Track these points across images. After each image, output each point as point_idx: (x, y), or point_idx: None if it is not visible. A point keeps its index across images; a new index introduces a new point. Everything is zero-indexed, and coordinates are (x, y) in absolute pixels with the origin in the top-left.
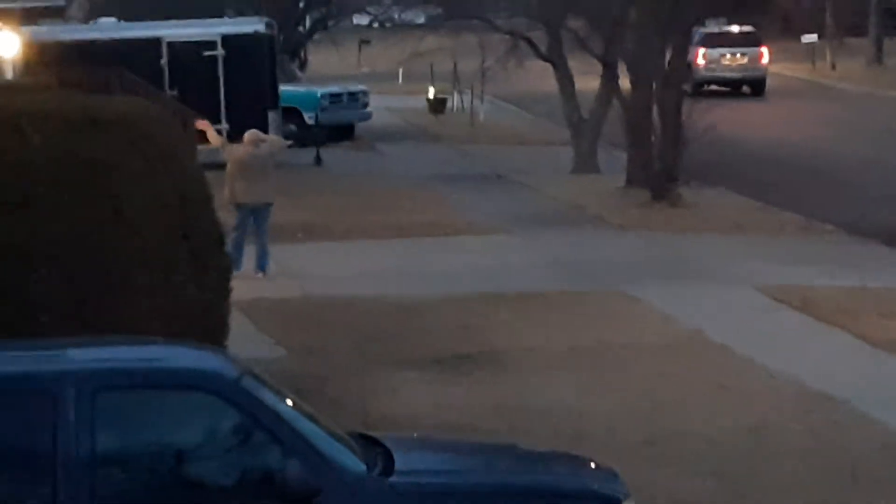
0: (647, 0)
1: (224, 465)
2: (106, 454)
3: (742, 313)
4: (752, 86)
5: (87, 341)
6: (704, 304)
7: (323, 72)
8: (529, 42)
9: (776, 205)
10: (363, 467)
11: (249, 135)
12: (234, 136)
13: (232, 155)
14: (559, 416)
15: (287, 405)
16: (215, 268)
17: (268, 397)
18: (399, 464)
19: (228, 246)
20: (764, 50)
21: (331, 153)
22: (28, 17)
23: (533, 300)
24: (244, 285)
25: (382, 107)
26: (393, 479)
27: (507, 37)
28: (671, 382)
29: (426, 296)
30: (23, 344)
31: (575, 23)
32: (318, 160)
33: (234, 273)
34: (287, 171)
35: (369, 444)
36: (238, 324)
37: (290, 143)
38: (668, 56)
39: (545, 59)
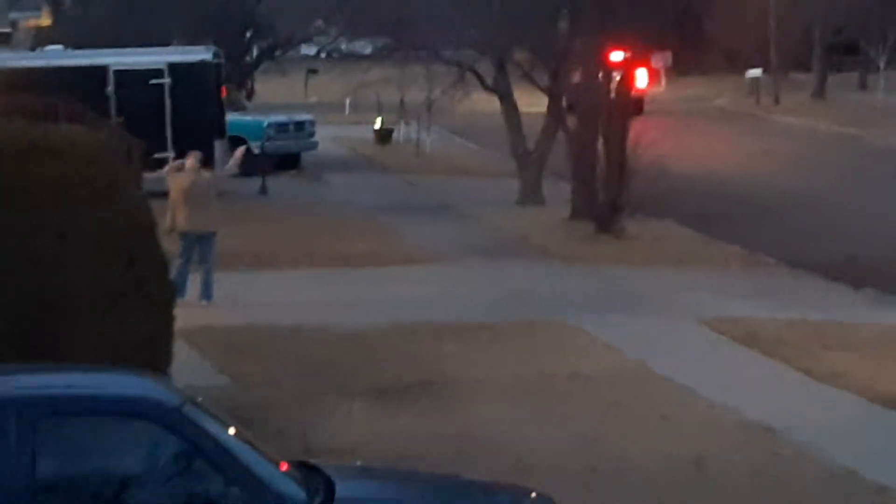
0: (591, 34)
1: (165, 494)
2: (46, 481)
3: (685, 345)
4: None
5: (29, 368)
6: (648, 336)
7: (270, 101)
8: (476, 74)
9: (720, 237)
10: (304, 496)
11: (191, 162)
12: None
13: (174, 183)
14: (502, 446)
15: (229, 434)
16: (160, 296)
17: (209, 426)
18: (340, 492)
19: (173, 274)
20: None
21: (277, 182)
22: None
23: (477, 330)
24: (189, 313)
25: (329, 136)
26: None
27: (454, 68)
28: (614, 413)
29: (371, 325)
30: None
31: (521, 55)
32: (264, 189)
33: (180, 301)
34: (233, 199)
35: (311, 473)
36: (182, 352)
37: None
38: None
39: (491, 91)
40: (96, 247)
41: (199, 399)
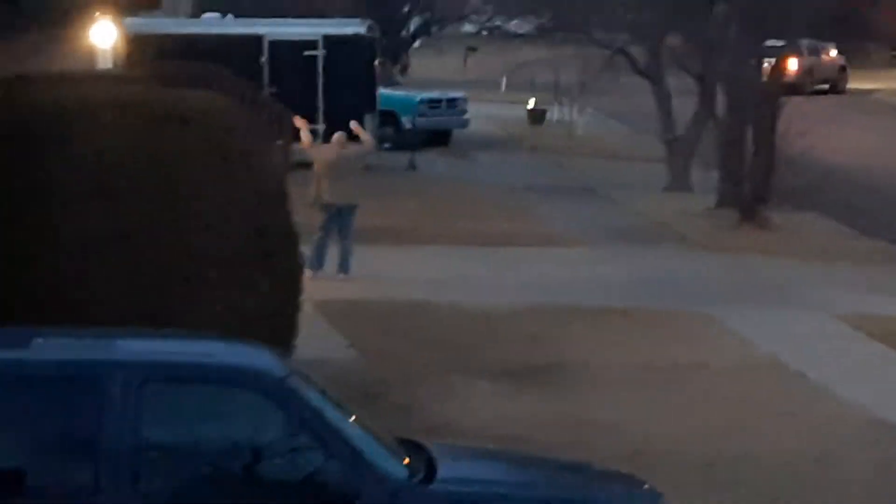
0: (748, 21)
1: (263, 464)
2: (149, 445)
3: (819, 340)
4: None
5: (140, 332)
6: (782, 329)
7: (427, 77)
8: (628, 56)
9: (868, 232)
10: (405, 473)
11: (338, 136)
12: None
13: (319, 155)
14: (623, 433)
15: (331, 407)
16: (287, 268)
17: (312, 398)
18: (441, 471)
19: (312, 246)
20: None
21: (426, 158)
22: (127, 8)
23: (609, 315)
24: (325, 286)
25: (483, 115)
26: (433, 486)
27: (607, 50)
28: (739, 406)
29: (504, 305)
30: (77, 332)
31: (674, 40)
32: (413, 165)
33: (317, 273)
34: (380, 174)
35: (415, 451)
36: (314, 324)
37: (386, 145)
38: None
39: (643, 75)
40: (225, 217)
41: (307, 372)
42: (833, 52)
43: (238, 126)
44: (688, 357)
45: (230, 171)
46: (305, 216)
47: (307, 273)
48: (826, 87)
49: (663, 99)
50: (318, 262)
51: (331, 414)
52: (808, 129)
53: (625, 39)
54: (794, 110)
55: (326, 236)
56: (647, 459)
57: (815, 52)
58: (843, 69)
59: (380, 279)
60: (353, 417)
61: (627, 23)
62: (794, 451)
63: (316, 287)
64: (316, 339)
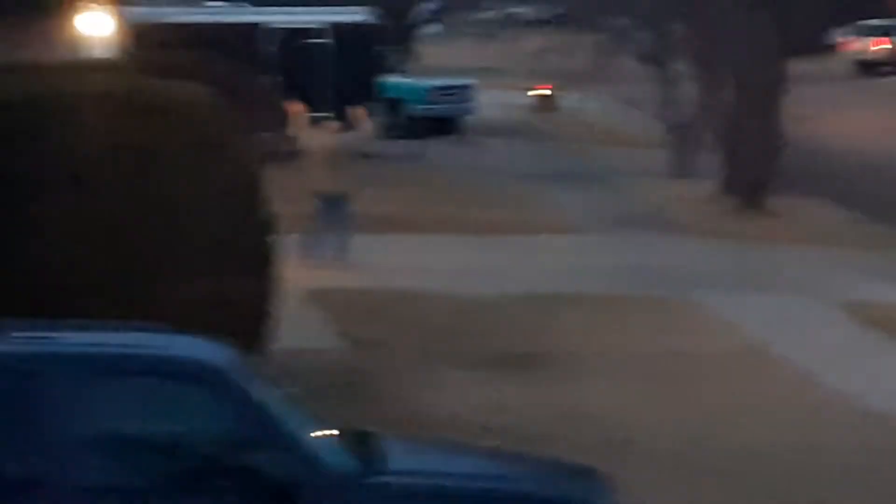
0: (749, 10)
1: (206, 457)
2: (89, 438)
3: (815, 327)
4: None
5: (86, 325)
6: (777, 316)
7: (441, 64)
8: (634, 43)
9: (875, 218)
10: (353, 466)
11: (333, 123)
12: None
13: (314, 142)
14: (608, 422)
15: (279, 400)
16: (264, 256)
17: (260, 391)
18: (392, 463)
19: (307, 234)
20: None
21: (433, 146)
22: None
23: (605, 303)
24: (320, 274)
25: (496, 102)
26: (382, 478)
27: (615, 36)
28: (727, 394)
29: (499, 293)
30: (23, 325)
31: (680, 26)
32: (419, 153)
33: (312, 261)
34: (386, 161)
35: (367, 443)
36: (307, 312)
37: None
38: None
39: (647, 60)
40: (200, 206)
41: (257, 362)
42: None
43: (214, 116)
44: (680, 345)
45: (204, 161)
46: (305, 204)
47: (303, 261)
48: None
49: (667, 85)
50: (314, 251)
51: (276, 406)
52: (816, 115)
53: (632, 25)
54: (801, 95)
55: (322, 224)
56: (636, 448)
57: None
58: None
59: (375, 268)
60: (302, 409)
61: (634, 8)
62: (785, 440)
63: (309, 275)
64: (303, 327)
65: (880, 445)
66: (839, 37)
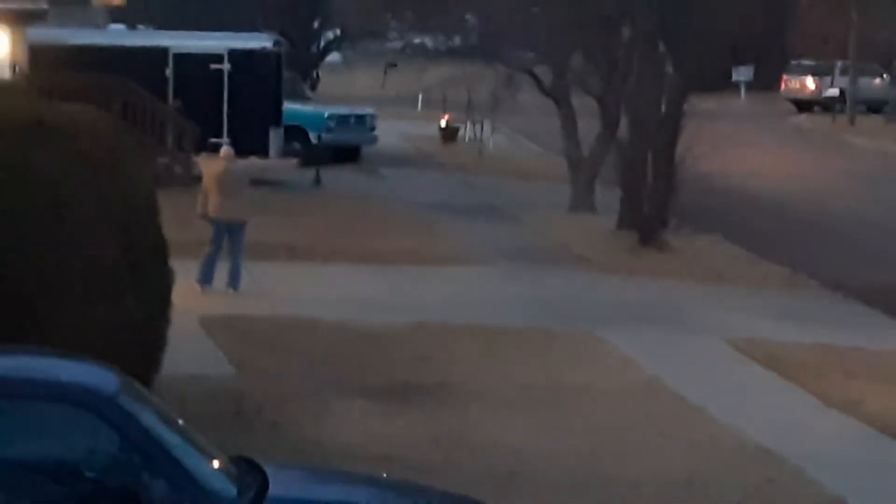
0: (647, 44)
1: (89, 482)
2: None
3: (705, 364)
4: None
5: None
6: (669, 352)
7: (342, 93)
8: (534, 76)
9: (766, 256)
10: (234, 492)
11: (226, 150)
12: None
13: (207, 169)
14: (498, 453)
15: (163, 425)
16: (156, 280)
17: (144, 416)
18: (273, 490)
19: (201, 260)
20: None
21: (333, 174)
22: (19, 18)
23: (498, 335)
24: (213, 301)
25: (396, 132)
26: None
27: (514, 70)
28: (618, 428)
29: (393, 324)
30: None
31: (578, 61)
32: (318, 180)
33: (206, 288)
34: (285, 189)
35: (248, 470)
36: (198, 340)
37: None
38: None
39: (548, 95)
40: (93, 229)
41: (139, 388)
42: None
43: (104, 139)
44: (572, 378)
45: (98, 183)
46: (201, 230)
47: (196, 288)
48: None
49: (567, 120)
50: (207, 277)
51: (160, 432)
52: (715, 152)
53: (531, 59)
54: (696, 133)
55: (215, 251)
56: (520, 480)
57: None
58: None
59: (270, 296)
60: (187, 435)
61: (533, 42)
62: (666, 473)
63: (202, 302)
64: (195, 354)
65: (758, 479)
66: (783, 75)
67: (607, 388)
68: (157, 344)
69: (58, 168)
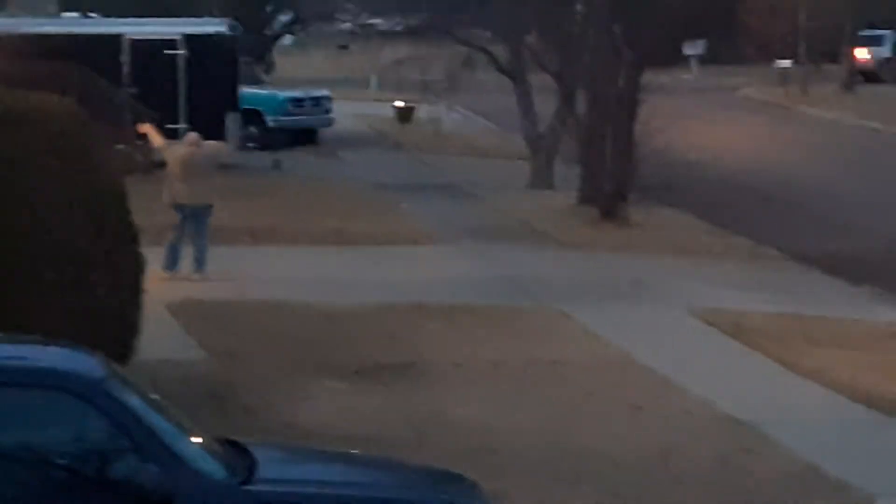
0: (604, 19)
1: (79, 466)
2: None
3: (671, 335)
4: None
5: None
6: (635, 325)
7: (296, 76)
8: (489, 55)
9: (727, 228)
10: (223, 474)
11: (191, 136)
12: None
13: (172, 155)
14: (469, 429)
15: (150, 409)
16: (128, 267)
17: (131, 401)
18: (261, 472)
19: (167, 246)
20: None
21: (291, 157)
22: None
23: (466, 313)
24: (179, 286)
25: (352, 113)
26: (251, 486)
27: (470, 48)
28: (588, 401)
29: (359, 304)
30: None
31: (534, 38)
32: (277, 164)
33: (172, 273)
34: (244, 173)
35: (235, 451)
36: (165, 324)
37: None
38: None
39: (504, 73)
40: (63, 217)
41: (124, 373)
42: None
43: (72, 127)
44: (540, 353)
45: (67, 171)
46: (164, 216)
47: (163, 273)
48: None
49: (524, 97)
50: (173, 263)
51: (147, 416)
52: (670, 126)
53: (487, 38)
54: (655, 107)
55: (181, 236)
56: (492, 455)
57: None
58: None
59: (235, 279)
60: (173, 419)
61: (489, 20)
62: (638, 445)
63: (169, 287)
64: (165, 339)
65: (727, 448)
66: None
67: (577, 362)
68: (130, 330)
69: (28, 158)
